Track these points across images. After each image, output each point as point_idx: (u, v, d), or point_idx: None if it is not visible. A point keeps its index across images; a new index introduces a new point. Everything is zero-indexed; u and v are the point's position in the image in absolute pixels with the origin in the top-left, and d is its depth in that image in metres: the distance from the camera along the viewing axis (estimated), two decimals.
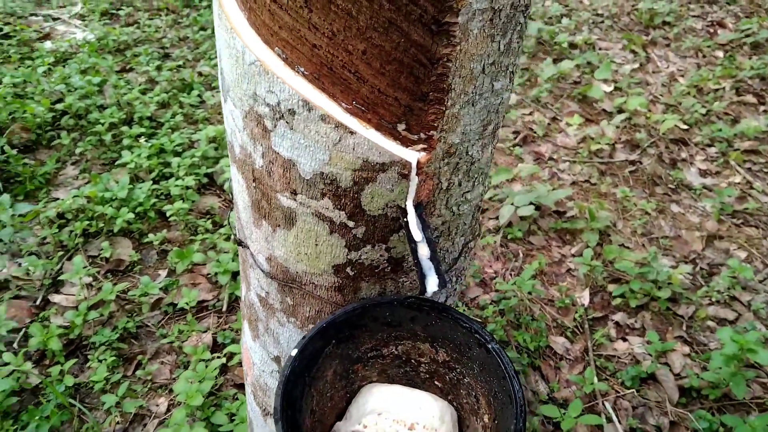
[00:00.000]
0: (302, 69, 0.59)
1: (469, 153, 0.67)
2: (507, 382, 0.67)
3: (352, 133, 0.60)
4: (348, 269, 0.73)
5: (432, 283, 0.62)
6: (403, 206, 0.66)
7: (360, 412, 0.76)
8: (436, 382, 0.80)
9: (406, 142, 0.62)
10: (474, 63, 0.58)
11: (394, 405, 0.74)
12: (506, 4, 0.56)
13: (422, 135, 0.62)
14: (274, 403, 0.66)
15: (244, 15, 0.61)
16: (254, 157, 0.68)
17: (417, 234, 0.64)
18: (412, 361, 0.80)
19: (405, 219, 0.65)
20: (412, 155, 0.62)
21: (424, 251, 0.63)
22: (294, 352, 0.69)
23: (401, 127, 0.61)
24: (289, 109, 0.61)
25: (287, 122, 0.62)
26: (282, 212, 0.70)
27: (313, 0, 0.54)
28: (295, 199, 0.68)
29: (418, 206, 0.66)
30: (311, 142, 0.62)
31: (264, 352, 0.91)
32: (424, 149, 0.63)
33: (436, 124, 0.61)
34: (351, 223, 0.68)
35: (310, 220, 0.69)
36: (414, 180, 0.64)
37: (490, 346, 0.70)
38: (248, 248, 0.80)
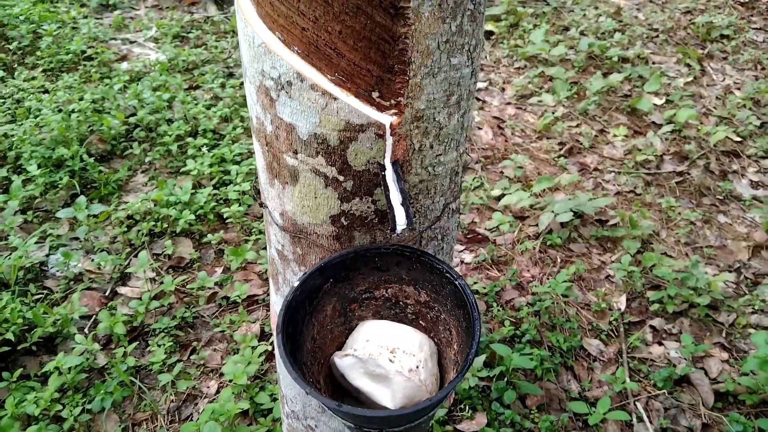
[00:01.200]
0: (296, 48, 0.76)
1: (436, 119, 0.82)
2: (468, 309, 0.80)
3: (335, 99, 0.76)
4: (342, 219, 0.88)
5: (401, 222, 0.76)
6: (382, 163, 0.81)
7: (353, 340, 0.91)
8: (420, 322, 0.94)
9: (380, 107, 0.78)
10: (429, 40, 0.73)
11: (381, 334, 0.88)
12: None
13: (393, 101, 0.77)
14: (277, 320, 0.82)
15: (254, 8, 0.79)
16: (266, 125, 0.85)
17: (392, 185, 0.79)
18: (400, 302, 0.94)
19: (383, 173, 0.80)
20: (386, 118, 0.78)
21: (396, 197, 0.78)
22: (296, 284, 0.85)
23: (375, 94, 0.77)
24: (288, 81, 0.78)
25: (287, 92, 0.79)
26: (288, 170, 0.87)
27: None
28: (296, 158, 0.84)
29: (395, 163, 0.81)
30: (305, 107, 0.78)
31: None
32: (395, 114, 0.78)
33: (402, 92, 0.76)
34: (341, 177, 0.83)
35: (309, 175, 0.85)
36: (389, 140, 0.79)
37: (457, 282, 0.83)
38: (267, 207, 0.97)
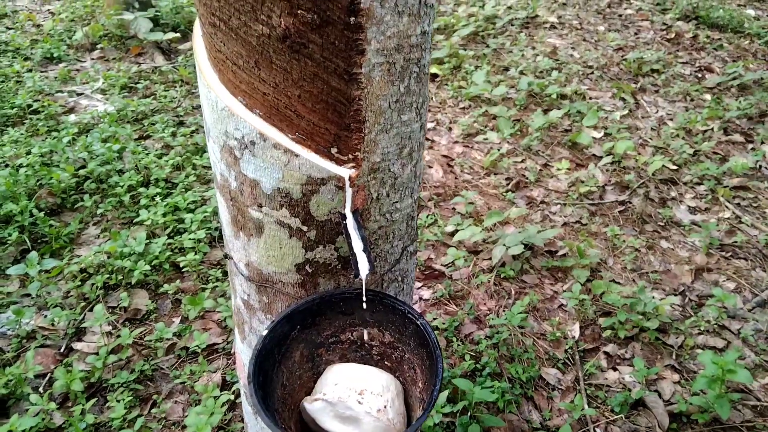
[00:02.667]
0: (258, 111, 0.81)
1: (391, 170, 0.88)
2: (430, 348, 0.85)
3: (297, 156, 0.81)
4: (307, 267, 0.92)
5: (363, 269, 0.81)
6: (343, 212, 0.86)
7: (321, 385, 0.94)
8: (386, 362, 0.98)
9: (339, 162, 0.83)
10: (381, 101, 0.80)
11: (348, 377, 0.92)
12: (399, 58, 0.78)
13: (350, 156, 0.83)
14: (247, 370, 0.84)
15: (216, 75, 0.84)
16: (230, 181, 0.90)
17: (353, 233, 0.84)
18: (366, 345, 0.98)
19: (344, 222, 0.85)
20: (345, 171, 0.83)
21: (358, 245, 0.83)
22: (264, 332, 0.88)
23: (334, 150, 0.82)
24: (251, 141, 0.82)
25: (250, 151, 0.83)
26: (253, 223, 0.91)
27: (260, 62, 0.76)
28: (261, 211, 0.88)
29: (355, 212, 0.86)
30: (268, 164, 0.83)
31: (250, 350, 1.10)
32: (353, 167, 0.84)
33: (359, 147, 0.82)
34: (305, 228, 0.88)
35: (273, 227, 0.89)
36: (349, 191, 0.84)
37: (419, 322, 0.88)
38: (232, 258, 1.00)
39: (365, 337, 0.94)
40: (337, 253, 0.91)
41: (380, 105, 0.80)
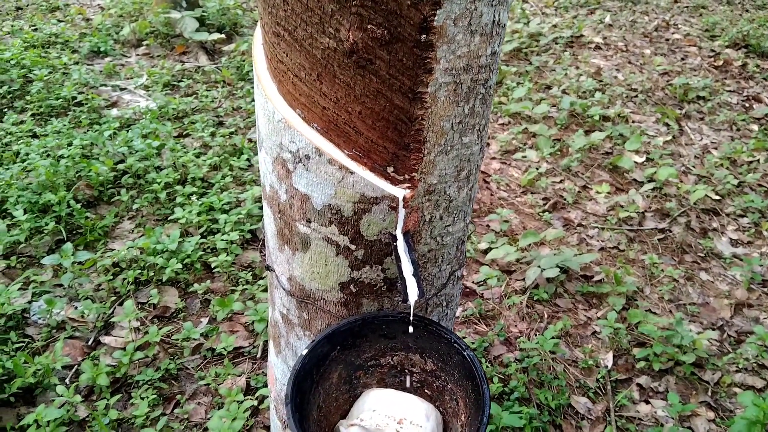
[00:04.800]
0: (316, 125, 0.79)
1: (447, 192, 0.84)
2: (477, 381, 0.81)
3: (351, 173, 0.79)
4: (351, 286, 0.89)
5: (413, 294, 0.78)
6: (393, 233, 0.83)
7: (358, 409, 0.91)
8: (426, 391, 0.94)
9: (394, 182, 0.80)
10: (444, 122, 0.77)
11: (387, 404, 0.89)
12: (467, 78, 0.75)
13: (407, 176, 0.80)
14: (286, 390, 0.82)
15: (275, 85, 0.82)
16: (279, 193, 0.87)
17: (404, 255, 0.81)
18: (406, 370, 0.95)
19: (395, 243, 0.82)
20: (399, 192, 0.80)
21: (408, 268, 0.80)
22: (304, 352, 0.86)
23: (390, 169, 0.79)
24: (306, 155, 0.80)
25: (304, 165, 0.81)
26: (299, 238, 0.89)
27: (323, 75, 0.74)
28: (309, 227, 0.86)
29: (406, 234, 0.83)
30: (321, 180, 0.81)
31: (285, 366, 1.08)
32: (408, 187, 0.81)
33: (416, 168, 0.79)
34: (353, 247, 0.85)
35: (321, 243, 0.87)
36: (401, 212, 0.81)
37: (465, 353, 0.85)
38: (274, 271, 0.98)
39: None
40: (383, 275, 0.88)
41: (443, 126, 0.77)
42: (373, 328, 0.91)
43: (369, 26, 0.67)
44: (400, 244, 0.82)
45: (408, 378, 0.96)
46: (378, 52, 0.70)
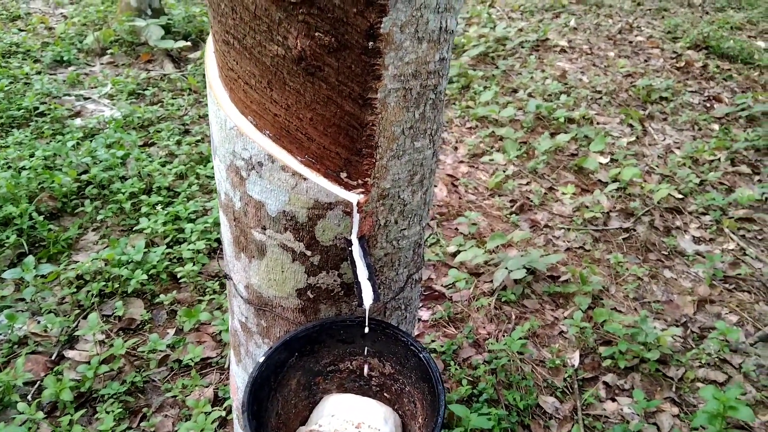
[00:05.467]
0: (268, 132, 0.79)
1: (401, 197, 0.85)
2: (433, 383, 0.82)
3: (305, 179, 0.79)
4: (308, 293, 0.90)
5: (368, 298, 0.79)
6: (349, 238, 0.84)
7: (318, 415, 0.91)
8: (385, 394, 0.95)
9: (348, 187, 0.81)
10: (395, 127, 0.78)
11: (346, 408, 0.89)
12: (416, 84, 0.76)
13: (360, 181, 0.80)
14: (242, 398, 0.82)
15: (227, 93, 0.82)
16: (234, 201, 0.87)
17: (359, 260, 0.81)
18: (365, 375, 0.95)
19: (350, 248, 0.83)
20: (353, 197, 0.81)
21: (363, 272, 0.80)
22: (261, 359, 0.86)
23: (343, 174, 0.80)
24: (259, 162, 0.80)
25: (257, 172, 0.81)
26: (255, 245, 0.89)
27: (273, 82, 0.74)
28: (264, 234, 0.86)
29: (361, 239, 0.84)
30: (275, 186, 0.81)
31: (245, 374, 1.07)
32: (362, 192, 0.81)
33: (369, 173, 0.80)
34: (308, 253, 0.86)
35: (276, 250, 0.87)
36: (356, 217, 0.82)
37: (421, 355, 0.86)
38: (232, 279, 0.97)
39: (365, 371, 0.92)
40: (340, 280, 0.89)
41: (394, 131, 0.78)
42: (331, 333, 0.91)
43: (316, 34, 0.68)
44: (356, 249, 0.83)
45: (367, 382, 0.96)
46: (326, 59, 0.70)
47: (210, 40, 0.86)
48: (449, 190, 3.36)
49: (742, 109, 4.39)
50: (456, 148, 3.82)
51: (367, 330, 0.86)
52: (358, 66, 0.71)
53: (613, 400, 2.27)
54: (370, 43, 0.70)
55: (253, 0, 0.69)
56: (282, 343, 0.88)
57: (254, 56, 0.74)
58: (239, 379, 1.11)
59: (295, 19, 0.68)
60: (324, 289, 0.89)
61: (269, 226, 0.85)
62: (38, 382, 2.11)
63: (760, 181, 3.67)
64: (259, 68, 0.74)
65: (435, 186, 3.35)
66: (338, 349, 0.93)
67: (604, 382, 2.32)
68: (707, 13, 7.11)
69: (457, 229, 3.07)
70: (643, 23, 6.45)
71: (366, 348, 0.92)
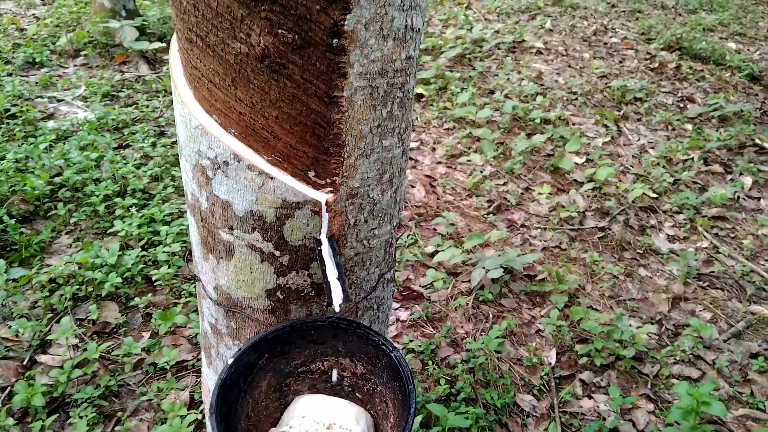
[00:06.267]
0: (233, 130, 0.78)
1: (370, 195, 0.85)
2: (404, 382, 0.82)
3: (272, 178, 0.78)
4: (278, 293, 0.89)
5: (337, 298, 0.78)
6: (318, 238, 0.83)
7: (289, 416, 0.90)
8: (357, 394, 0.94)
9: (316, 186, 0.80)
10: (362, 125, 0.77)
11: (317, 409, 0.88)
12: (383, 82, 0.76)
13: (328, 180, 0.80)
14: (210, 400, 0.80)
15: (191, 92, 0.81)
16: (201, 201, 0.86)
17: (328, 260, 0.81)
18: (337, 375, 0.94)
19: (319, 248, 0.82)
20: (321, 196, 0.80)
21: (333, 272, 0.80)
22: (230, 361, 0.85)
23: (311, 173, 0.79)
24: (224, 161, 0.79)
25: (223, 171, 0.80)
26: (223, 245, 0.87)
27: (237, 80, 0.74)
28: (232, 234, 0.85)
29: (330, 238, 0.83)
30: (242, 186, 0.80)
31: (216, 376, 1.06)
32: (330, 191, 0.81)
33: (337, 172, 0.79)
34: (277, 253, 0.85)
35: (245, 251, 0.86)
36: (325, 216, 0.81)
37: (392, 354, 0.85)
38: (201, 281, 0.96)
39: (334, 377, 0.91)
40: (310, 280, 0.88)
41: (361, 129, 0.78)
42: (302, 334, 0.90)
43: (279, 31, 0.67)
44: (325, 249, 0.82)
45: (339, 382, 0.96)
46: (290, 56, 0.70)
47: (174, 38, 0.85)
48: (427, 190, 3.36)
49: (715, 110, 4.47)
50: (434, 149, 3.83)
51: (337, 330, 0.85)
52: (322, 63, 0.70)
53: (590, 397, 2.29)
54: (335, 41, 0.69)
55: None
56: (251, 344, 0.87)
57: (217, 54, 0.73)
58: (210, 381, 1.10)
59: (258, 16, 0.68)
60: (294, 290, 0.89)
61: (237, 227, 0.84)
62: (9, 388, 2.07)
63: (732, 180, 3.74)
64: (222, 66, 0.73)
65: (413, 187, 3.35)
66: (309, 350, 0.93)
67: (581, 380, 2.34)
68: (680, 14, 7.22)
69: (435, 229, 3.08)
70: (617, 25, 6.53)
71: (337, 348, 0.92)
